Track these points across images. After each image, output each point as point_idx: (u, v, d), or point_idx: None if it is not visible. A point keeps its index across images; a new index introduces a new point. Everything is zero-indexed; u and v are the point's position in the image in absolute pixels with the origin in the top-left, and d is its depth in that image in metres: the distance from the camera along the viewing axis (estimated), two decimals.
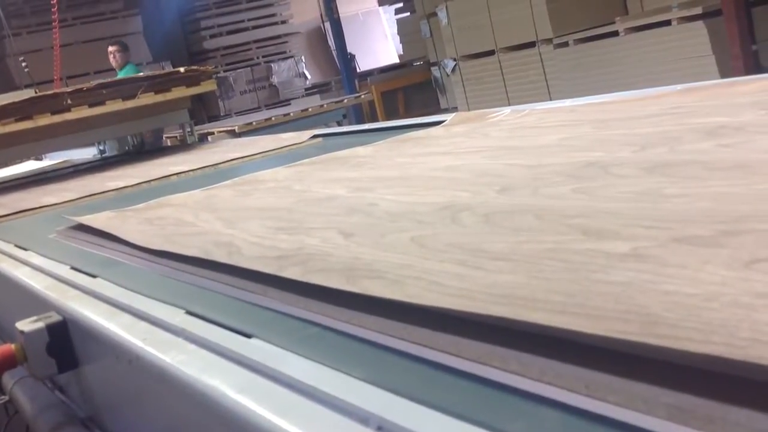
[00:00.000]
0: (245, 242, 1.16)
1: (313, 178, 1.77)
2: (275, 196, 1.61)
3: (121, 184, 2.65)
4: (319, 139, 3.02)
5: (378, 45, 13.25)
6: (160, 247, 1.26)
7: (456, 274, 0.78)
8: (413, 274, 0.81)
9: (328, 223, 1.19)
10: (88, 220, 1.69)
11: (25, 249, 1.77)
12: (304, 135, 3.11)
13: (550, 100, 5.33)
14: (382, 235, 1.03)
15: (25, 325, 1.16)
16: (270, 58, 11.62)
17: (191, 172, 2.72)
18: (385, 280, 0.82)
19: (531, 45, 7.29)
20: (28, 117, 3.47)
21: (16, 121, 3.45)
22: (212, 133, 6.43)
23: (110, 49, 7.65)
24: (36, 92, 4.43)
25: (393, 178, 1.54)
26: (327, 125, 6.67)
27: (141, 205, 1.79)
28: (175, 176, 2.67)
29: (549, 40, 7.05)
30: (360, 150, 2.11)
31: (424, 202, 1.22)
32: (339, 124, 6.96)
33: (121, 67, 7.51)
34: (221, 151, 3.40)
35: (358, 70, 11.10)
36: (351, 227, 1.12)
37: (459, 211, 1.08)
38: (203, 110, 10.49)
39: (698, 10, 5.68)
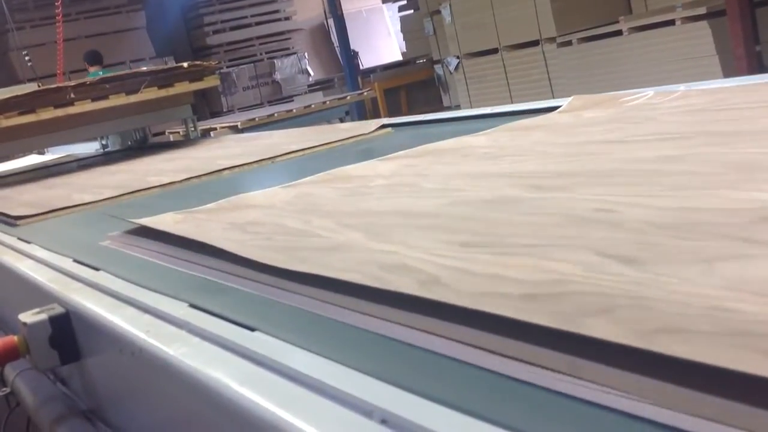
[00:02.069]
0: (435, 266, 0.84)
1: (437, 172, 1.47)
2: (408, 196, 1.30)
3: (165, 179, 2.38)
4: (389, 129, 2.71)
5: (381, 42, 13.24)
6: (302, 269, 0.94)
7: None
8: None
9: (552, 237, 0.86)
10: (152, 222, 1.42)
11: (28, 242, 1.77)
12: (370, 124, 2.80)
13: (553, 98, 5.32)
14: (688, 261, 0.69)
15: (28, 316, 1.16)
16: (273, 54, 11.62)
17: (245, 166, 2.43)
18: None
19: (534, 43, 7.28)
20: (31, 111, 3.47)
21: (19, 114, 3.45)
22: (215, 129, 6.43)
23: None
24: (39, 86, 4.42)
25: (575, 173, 1.20)
26: (330, 122, 6.66)
27: (210, 206, 1.51)
28: (227, 171, 2.39)
29: (552, 39, 7.04)
30: (470, 140, 1.80)
31: (695, 207, 0.87)
32: (342, 120, 6.95)
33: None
34: (253, 143, 3.15)
35: (361, 67, 11.09)
36: (612, 246, 0.78)
37: None
38: (206, 106, 10.49)
39: (702, 10, 5.67)
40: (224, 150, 3.19)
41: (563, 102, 2.09)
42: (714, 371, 0.50)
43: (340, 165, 1.79)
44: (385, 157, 1.80)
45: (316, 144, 2.57)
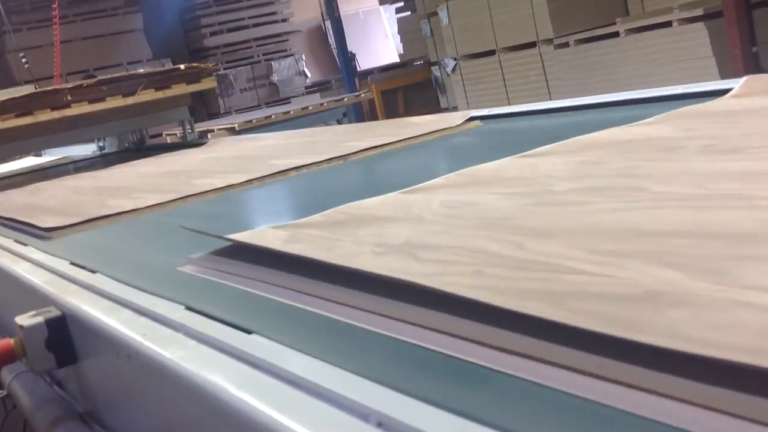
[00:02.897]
0: None
1: (657, 171, 1.12)
2: (645, 206, 0.94)
3: (217, 181, 2.05)
4: (477, 122, 2.35)
5: (378, 44, 13.25)
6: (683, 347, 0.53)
7: None
8: None
9: None
10: (252, 238, 1.12)
11: (24, 245, 1.76)
12: (453, 117, 2.43)
13: (551, 100, 5.32)
14: None
15: (24, 319, 1.16)
16: (270, 56, 11.62)
17: (312, 166, 2.10)
18: None
19: (532, 45, 7.29)
20: (28, 113, 3.47)
21: (16, 116, 3.45)
22: (212, 131, 6.43)
23: None
24: (36, 88, 4.42)
25: None
26: (327, 123, 6.66)
27: (316, 218, 1.19)
28: (294, 171, 2.07)
29: (550, 41, 7.05)
30: (644, 129, 1.47)
31: None
32: (339, 122, 6.96)
33: None
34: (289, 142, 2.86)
35: (358, 69, 11.10)
36: None
37: None
38: (203, 108, 10.49)
39: (699, 12, 5.68)
40: (267, 148, 2.87)
41: (725, 85, 1.76)
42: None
43: (436, 164, 1.60)
44: (531, 153, 1.44)
45: (394, 140, 2.23)
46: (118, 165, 3.34)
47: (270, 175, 2.05)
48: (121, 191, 2.32)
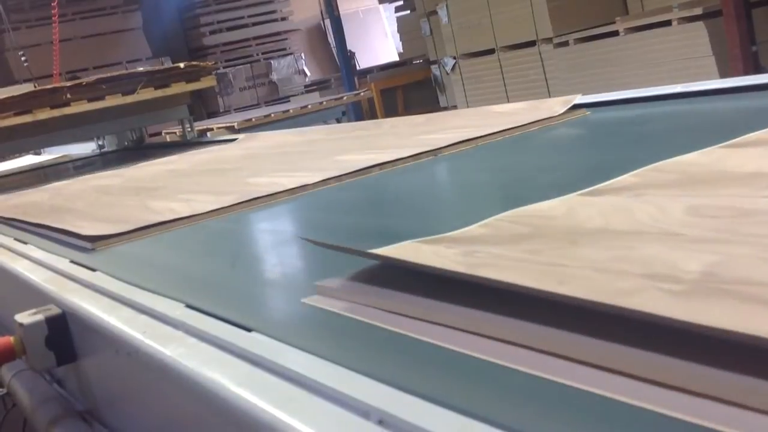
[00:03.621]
0: None
1: None
2: None
3: (284, 181, 1.77)
4: (584, 110, 2.02)
5: (378, 43, 13.24)
6: None
7: None
8: None
9: None
10: (406, 255, 0.83)
11: (24, 243, 1.76)
12: (552, 104, 2.09)
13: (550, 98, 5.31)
14: None
15: (24, 317, 1.16)
16: (269, 54, 11.61)
17: (398, 162, 1.81)
18: None
19: (531, 44, 7.28)
20: (28, 111, 3.47)
21: (16, 115, 3.46)
22: (211, 129, 6.42)
23: None
24: (35, 86, 4.42)
25: None
26: (326, 122, 6.66)
27: (478, 228, 0.92)
28: (377, 168, 1.78)
29: (549, 40, 7.04)
30: None
31: None
32: (338, 121, 6.95)
33: None
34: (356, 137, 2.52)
35: (357, 68, 11.09)
36: None
37: None
38: (202, 106, 10.48)
39: (698, 11, 5.68)
40: (319, 144, 2.58)
41: None
42: None
43: (544, 160, 1.42)
44: (729, 143, 1.14)
45: (487, 132, 1.93)
46: (142, 162, 3.14)
47: (348, 174, 1.76)
48: (162, 192, 2.07)
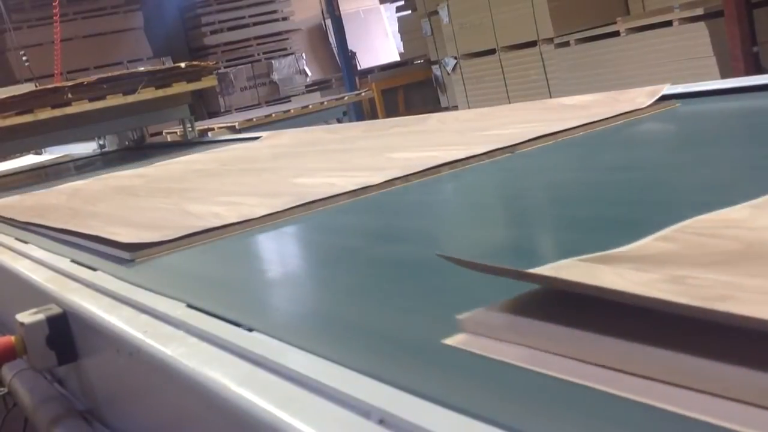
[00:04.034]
0: None
1: None
2: None
3: (341, 182, 1.58)
4: (674, 102, 1.79)
5: (379, 43, 13.24)
6: None
7: None
8: None
9: None
10: (569, 274, 0.63)
11: (25, 242, 1.76)
12: (635, 96, 1.87)
13: (551, 99, 5.31)
14: None
15: (25, 317, 1.16)
16: (270, 54, 11.62)
17: (470, 160, 1.60)
18: None
19: (532, 44, 7.28)
20: (29, 111, 3.47)
21: (17, 114, 3.46)
22: (212, 129, 6.43)
23: None
24: (36, 86, 4.42)
25: None
26: (327, 122, 6.66)
27: (657, 243, 0.71)
28: (446, 167, 1.58)
29: (550, 40, 7.04)
30: None
31: None
32: (339, 121, 6.95)
33: None
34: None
35: (358, 68, 11.10)
36: None
37: None
38: (203, 106, 10.48)
39: (700, 11, 5.68)
40: (360, 141, 2.37)
41: None
42: None
43: (663, 156, 1.28)
44: None
45: (570, 126, 1.71)
46: (162, 161, 3.00)
47: (415, 173, 1.55)
48: (197, 194, 1.88)
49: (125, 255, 1.29)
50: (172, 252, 1.30)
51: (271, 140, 3.07)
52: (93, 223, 1.68)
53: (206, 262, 1.25)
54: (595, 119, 1.73)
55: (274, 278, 1.11)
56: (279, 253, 1.30)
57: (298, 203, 1.45)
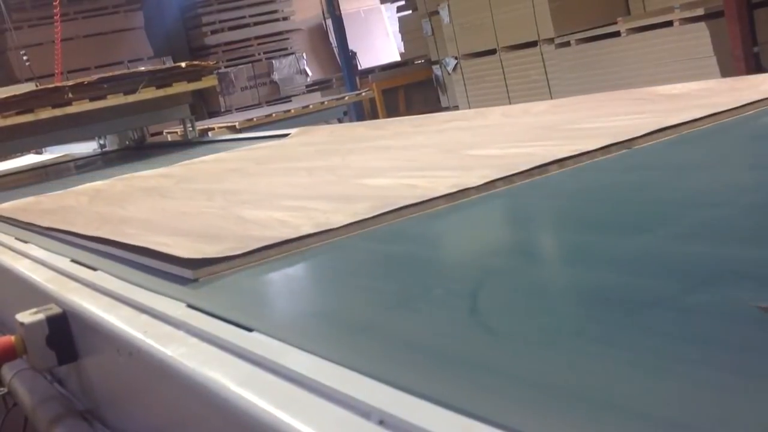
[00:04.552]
0: None
1: None
2: None
3: (424, 184, 1.36)
4: None
5: (379, 42, 13.24)
6: None
7: None
8: None
9: None
10: None
11: (25, 242, 1.76)
12: (760, 83, 1.67)
13: (551, 99, 5.32)
14: None
15: (25, 316, 1.16)
16: (271, 54, 11.61)
17: (581, 158, 1.37)
18: None
19: (533, 44, 7.28)
20: (29, 110, 3.47)
21: (17, 114, 3.46)
22: (212, 129, 6.42)
23: None
24: (37, 86, 4.42)
25: None
26: (328, 122, 6.65)
27: None
28: (555, 166, 1.35)
29: (551, 40, 7.04)
30: None
31: None
32: (340, 121, 6.95)
33: None
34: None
35: (359, 68, 11.09)
36: None
37: None
38: (203, 106, 10.48)
39: (700, 11, 5.68)
40: (420, 137, 2.14)
41: None
42: None
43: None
44: None
45: (691, 118, 1.48)
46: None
47: (518, 173, 1.32)
48: (245, 197, 1.68)
49: (184, 272, 1.07)
50: (242, 269, 1.07)
51: (303, 137, 2.86)
52: (129, 230, 1.45)
53: (292, 284, 1.02)
54: (720, 109, 1.49)
55: (411, 313, 0.80)
56: (391, 274, 0.98)
57: (387, 209, 1.20)
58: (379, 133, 2.45)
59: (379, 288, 0.94)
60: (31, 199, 2.39)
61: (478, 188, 1.29)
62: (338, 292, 0.97)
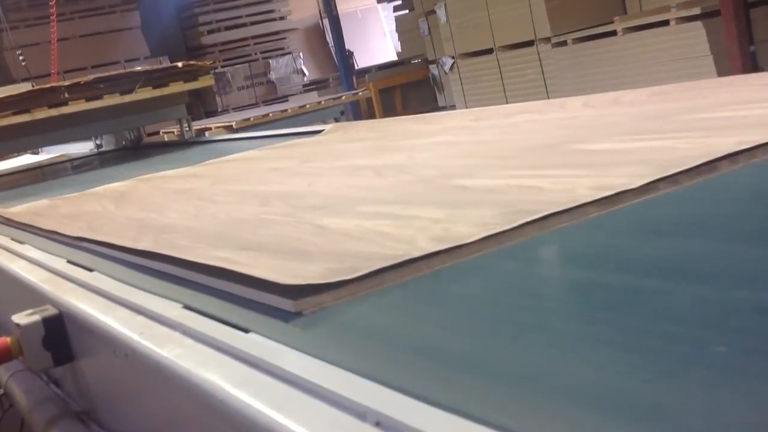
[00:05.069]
0: None
1: None
2: None
3: (556, 188, 1.11)
4: None
5: (376, 42, 13.24)
6: None
7: None
8: None
9: None
10: None
11: (21, 242, 1.76)
12: None
13: (548, 99, 5.32)
14: None
15: (21, 318, 1.16)
16: (268, 54, 11.60)
17: (753, 152, 1.10)
18: None
19: (529, 44, 7.28)
20: (26, 110, 3.47)
21: (14, 114, 3.45)
22: (209, 129, 6.42)
23: None
24: (33, 86, 4.42)
25: None
26: (325, 122, 6.65)
27: None
28: (725, 161, 1.09)
29: (547, 39, 7.05)
30: None
31: None
32: (336, 120, 6.95)
33: None
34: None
35: (356, 67, 11.09)
36: None
37: None
38: (200, 106, 10.47)
39: (697, 11, 5.69)
40: (486, 131, 1.92)
41: None
42: None
43: None
44: None
45: None
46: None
47: (682, 172, 1.05)
48: (312, 201, 1.43)
49: (283, 302, 0.83)
50: (356, 299, 0.82)
51: (339, 133, 2.59)
52: (183, 242, 1.23)
53: (433, 321, 0.74)
54: None
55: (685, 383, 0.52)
56: (610, 319, 0.66)
57: (528, 218, 0.97)
58: (430, 128, 2.19)
59: (608, 341, 0.61)
60: (45, 202, 2.22)
61: (636, 191, 1.02)
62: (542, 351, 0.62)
